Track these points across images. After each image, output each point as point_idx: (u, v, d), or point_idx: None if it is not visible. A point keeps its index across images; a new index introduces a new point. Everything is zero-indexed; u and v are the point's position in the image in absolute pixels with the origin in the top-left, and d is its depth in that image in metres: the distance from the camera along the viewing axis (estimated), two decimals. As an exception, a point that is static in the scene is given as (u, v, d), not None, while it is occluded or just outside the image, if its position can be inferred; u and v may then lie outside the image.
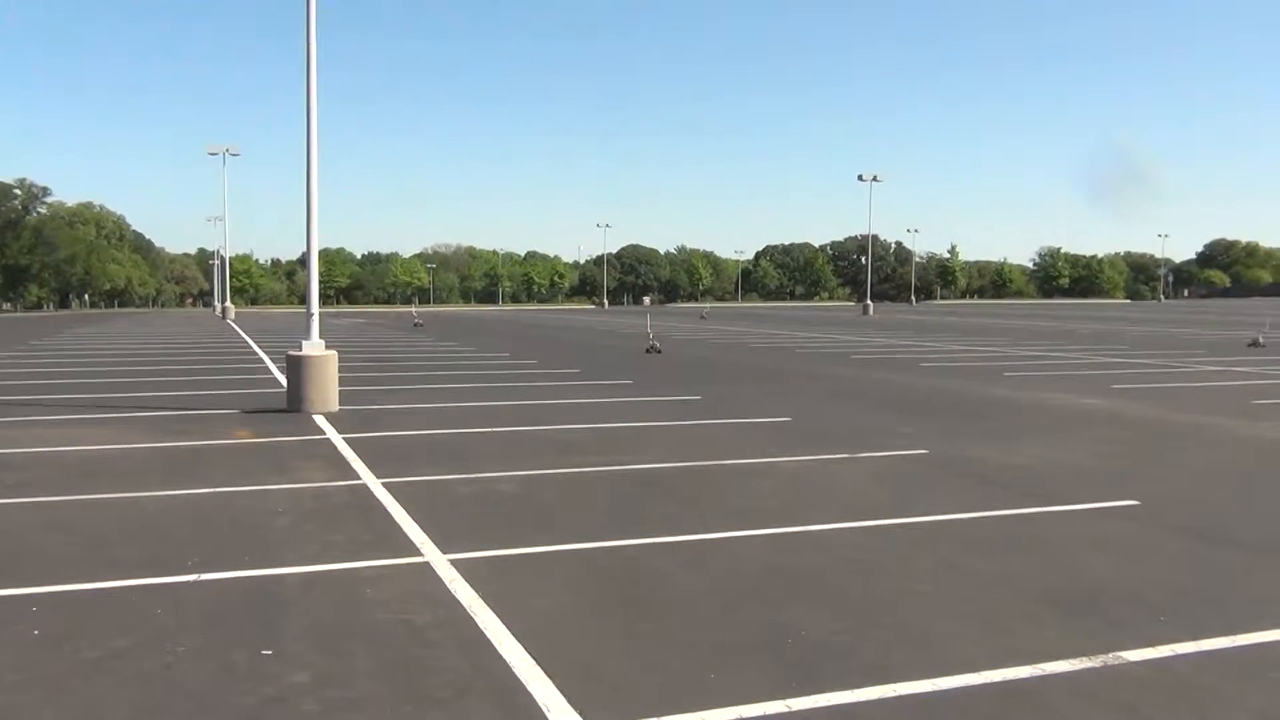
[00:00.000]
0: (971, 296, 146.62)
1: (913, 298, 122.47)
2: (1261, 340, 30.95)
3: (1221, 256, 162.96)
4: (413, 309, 73.29)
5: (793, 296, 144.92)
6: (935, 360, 25.50)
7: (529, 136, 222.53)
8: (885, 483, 9.64)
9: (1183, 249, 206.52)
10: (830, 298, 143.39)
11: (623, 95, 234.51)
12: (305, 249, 15.08)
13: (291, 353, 14.66)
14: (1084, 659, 5.06)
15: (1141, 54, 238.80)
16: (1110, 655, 5.11)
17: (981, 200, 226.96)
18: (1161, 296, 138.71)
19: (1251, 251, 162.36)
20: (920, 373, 21.86)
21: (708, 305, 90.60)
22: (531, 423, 13.53)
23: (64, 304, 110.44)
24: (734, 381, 19.95)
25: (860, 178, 74.93)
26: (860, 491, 9.26)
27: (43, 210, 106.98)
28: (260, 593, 6.26)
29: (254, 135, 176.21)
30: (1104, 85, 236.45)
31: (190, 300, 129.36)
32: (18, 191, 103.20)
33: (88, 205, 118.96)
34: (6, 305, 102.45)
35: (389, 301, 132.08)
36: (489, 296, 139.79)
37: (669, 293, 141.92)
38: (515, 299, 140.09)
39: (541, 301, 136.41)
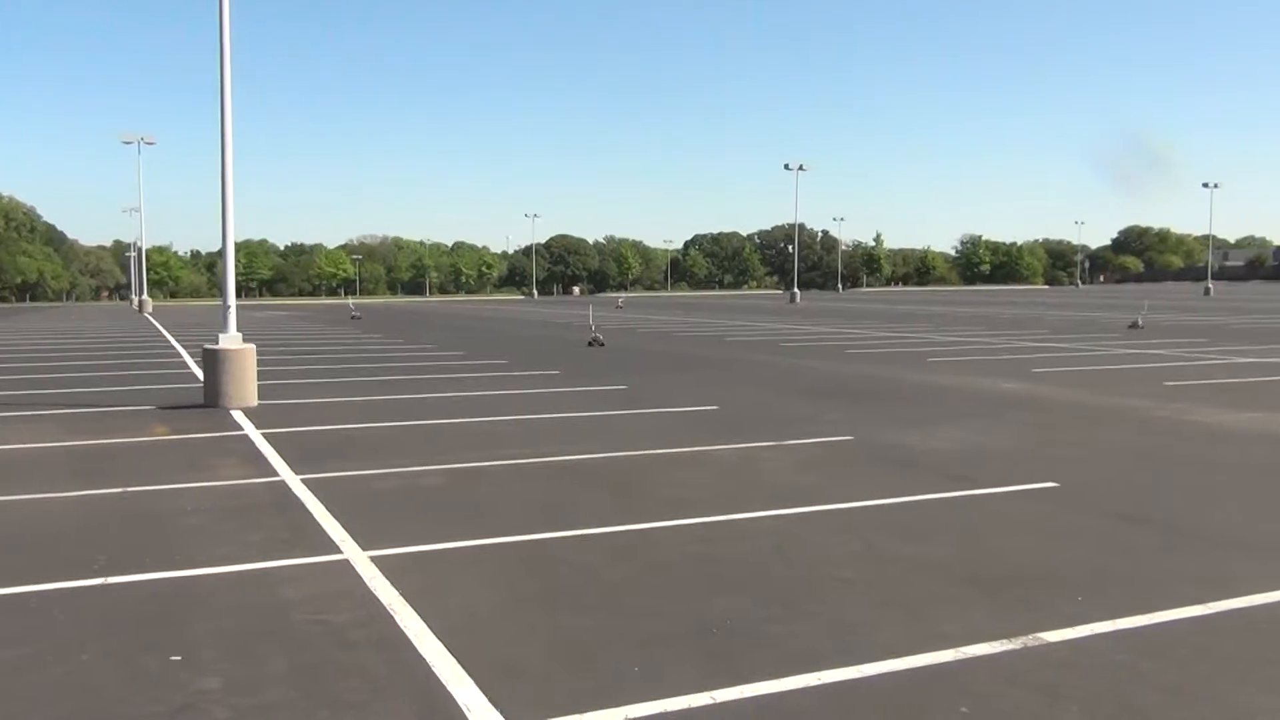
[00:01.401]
0: (896, 284, 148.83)
1: (839, 285, 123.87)
2: (1140, 323, 32.13)
3: (1135, 243, 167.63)
4: (349, 301, 72.01)
5: (722, 285, 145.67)
6: (860, 347, 25.80)
7: (455, 125, 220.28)
8: (811, 469, 9.68)
9: (1098, 235, 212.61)
10: (759, 286, 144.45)
11: (550, 83, 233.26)
12: (221, 240, 14.66)
13: (208, 346, 14.28)
14: (1004, 641, 5.11)
15: (1059, 44, 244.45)
16: (1030, 637, 5.17)
17: (905, 189, 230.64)
18: (1078, 282, 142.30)
19: (1163, 238, 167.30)
20: (846, 359, 22.08)
21: (623, 295, 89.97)
22: (456, 415, 13.34)
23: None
24: (661, 370, 19.93)
25: (786, 167, 75.56)
26: (786, 479, 9.28)
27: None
28: (171, 596, 6.05)
29: (172, 123, 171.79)
30: (1021, 75, 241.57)
31: (106, 294, 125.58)
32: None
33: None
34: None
35: (314, 294, 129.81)
36: (416, 288, 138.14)
37: (598, 282, 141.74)
38: (443, 290, 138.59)
39: (470, 292, 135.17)
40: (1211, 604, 5.62)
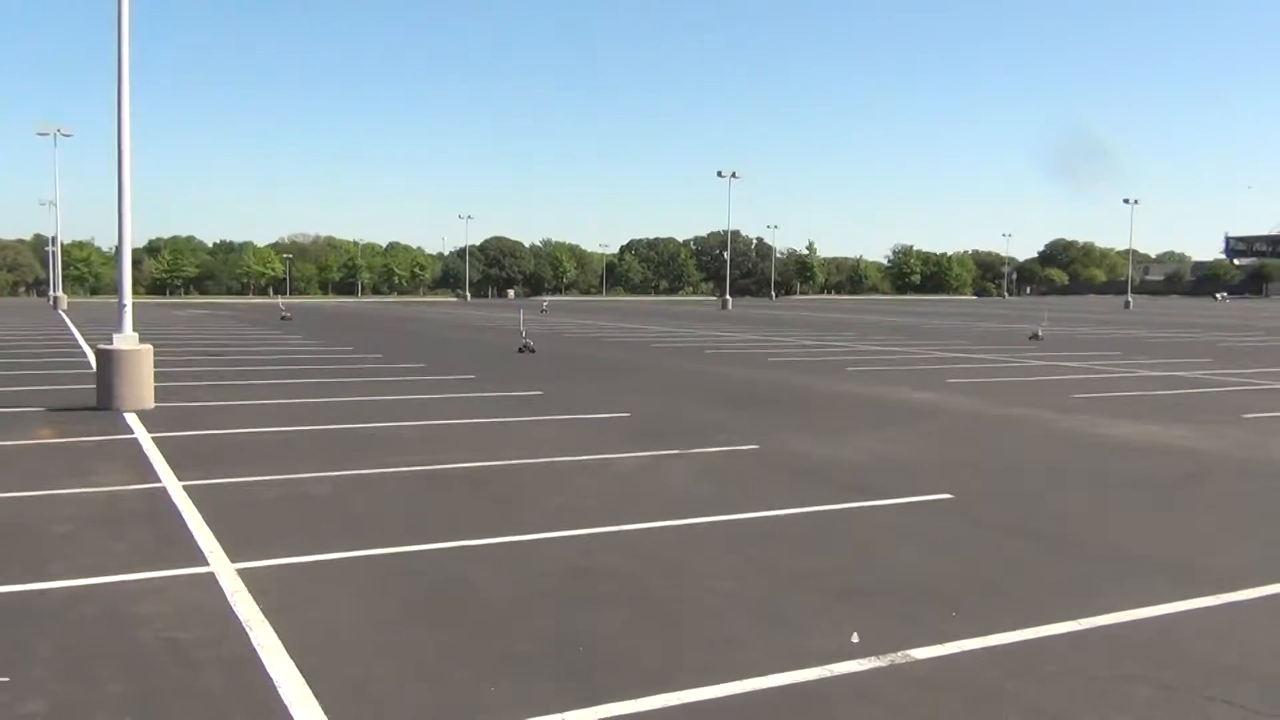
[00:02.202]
0: (830, 292, 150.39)
1: (772, 293, 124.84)
2: (1040, 334, 33.00)
3: (1061, 255, 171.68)
4: (279, 301, 70.24)
5: (657, 291, 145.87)
6: (783, 355, 25.88)
7: (391, 124, 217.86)
8: (711, 479, 9.58)
9: (1025, 248, 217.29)
10: (694, 292, 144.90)
11: (486, 84, 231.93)
12: (117, 238, 14.17)
13: (101, 346, 13.77)
14: (873, 659, 5.03)
15: (988, 57, 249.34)
16: (899, 654, 5.09)
17: (840, 198, 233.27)
18: (1006, 293, 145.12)
19: (1088, 251, 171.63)
20: (767, 367, 22.11)
21: (547, 299, 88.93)
22: (360, 420, 13.03)
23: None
24: (579, 376, 19.76)
25: (720, 174, 75.86)
26: (684, 489, 9.18)
27: None
28: (16, 610, 5.73)
29: (96, 116, 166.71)
30: (953, 86, 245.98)
31: (23, 289, 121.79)
32: None
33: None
34: None
35: (242, 292, 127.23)
36: (348, 288, 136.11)
37: (534, 285, 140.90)
38: (376, 291, 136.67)
39: (403, 293, 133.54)
40: (1084, 620, 5.61)
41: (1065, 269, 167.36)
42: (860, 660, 5.01)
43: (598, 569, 6.59)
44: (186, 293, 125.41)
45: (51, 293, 68.35)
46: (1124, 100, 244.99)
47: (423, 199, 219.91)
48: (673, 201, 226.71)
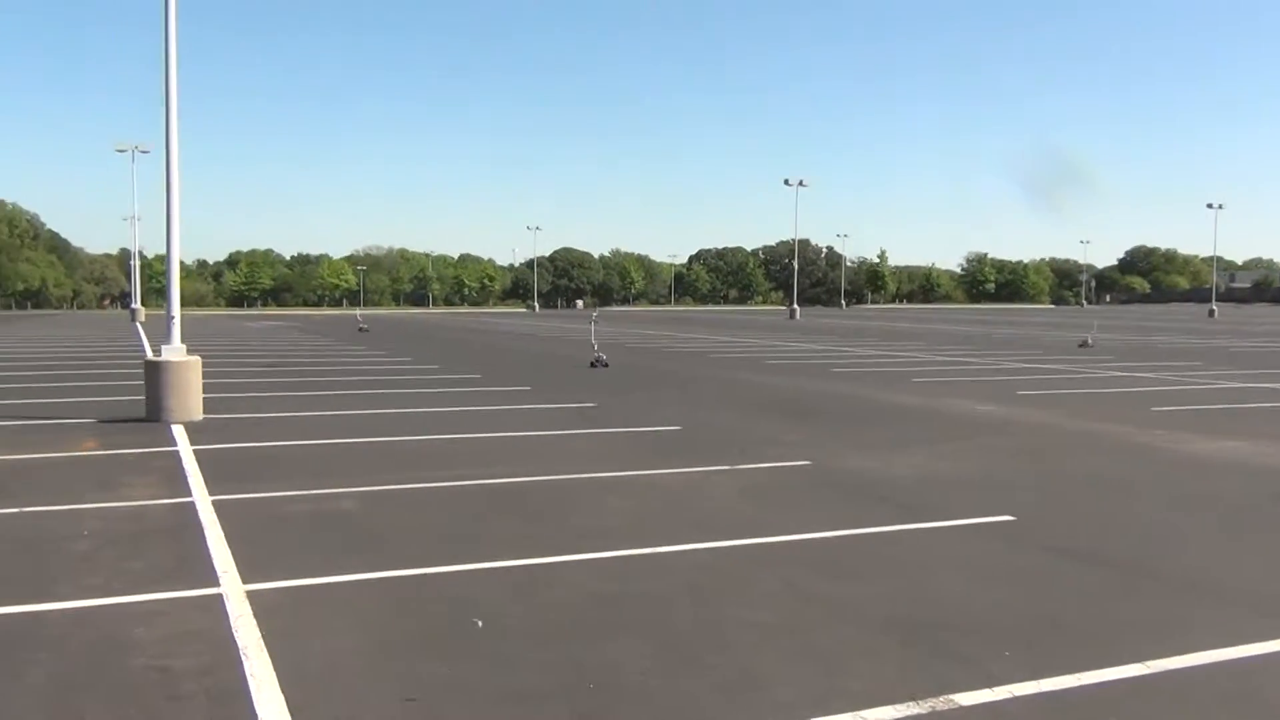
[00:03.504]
0: (901, 301, 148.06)
1: (842, 302, 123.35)
2: (1090, 341, 32.24)
3: (1142, 263, 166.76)
4: (356, 313, 70.98)
5: (726, 300, 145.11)
6: (847, 365, 25.21)
7: (464, 138, 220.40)
8: (756, 497, 9.10)
9: (1105, 255, 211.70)
10: (764, 301, 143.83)
11: (556, 96, 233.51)
12: (166, 250, 14.18)
13: (149, 358, 13.76)
14: (912, 704, 4.54)
15: (1068, 62, 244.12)
16: (941, 699, 4.60)
17: (911, 206, 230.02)
18: (1084, 302, 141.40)
19: (1170, 258, 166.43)
20: (829, 378, 21.49)
21: (598, 309, 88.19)
22: (407, 433, 12.80)
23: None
24: (635, 388, 19.36)
25: (786, 182, 75.06)
26: (726, 507, 8.72)
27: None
28: (15, 634, 5.51)
29: (182, 132, 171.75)
30: (1030, 91, 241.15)
31: (108, 301, 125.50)
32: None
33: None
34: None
35: (318, 304, 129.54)
36: (419, 299, 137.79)
37: (603, 296, 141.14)
38: (448, 302, 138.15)
39: (473, 304, 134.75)
40: (1152, 662, 5.05)
41: (1146, 276, 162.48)
42: (899, 706, 4.52)
43: (622, 596, 6.18)
44: (264, 305, 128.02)
45: (132, 305, 70.18)
46: (1209, 105, 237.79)
47: (493, 211, 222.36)
48: (742, 211, 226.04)
